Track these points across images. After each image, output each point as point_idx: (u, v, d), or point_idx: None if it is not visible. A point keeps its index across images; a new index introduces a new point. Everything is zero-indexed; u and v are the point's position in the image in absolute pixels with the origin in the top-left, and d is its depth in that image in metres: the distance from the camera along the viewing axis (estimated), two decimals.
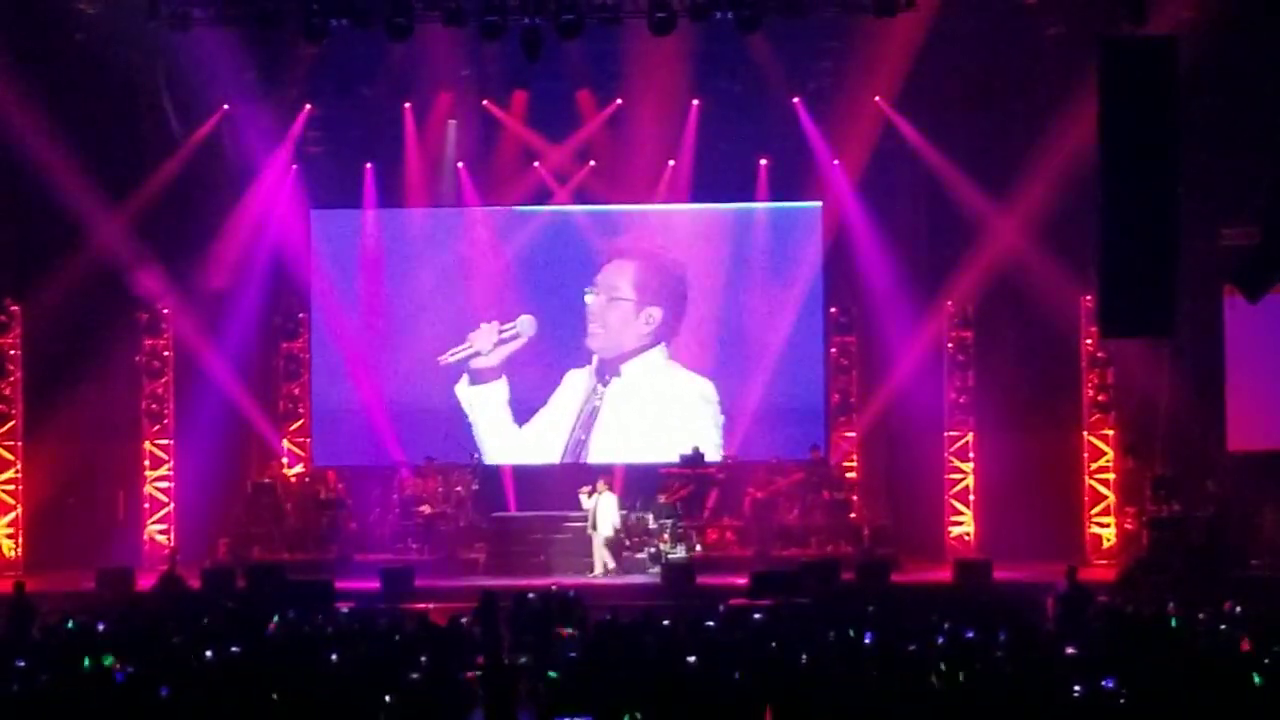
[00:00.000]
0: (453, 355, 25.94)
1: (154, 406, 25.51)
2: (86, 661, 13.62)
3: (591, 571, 23.44)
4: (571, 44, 22.45)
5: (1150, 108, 19.00)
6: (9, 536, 24.92)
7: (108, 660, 13.21)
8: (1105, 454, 25.29)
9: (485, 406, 25.97)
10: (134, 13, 21.96)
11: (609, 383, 26.05)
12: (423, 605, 20.05)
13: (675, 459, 25.10)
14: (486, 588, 19.18)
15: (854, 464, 26.24)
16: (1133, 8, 19.56)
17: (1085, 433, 25.35)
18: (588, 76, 25.34)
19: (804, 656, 13.75)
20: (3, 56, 23.32)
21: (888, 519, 25.39)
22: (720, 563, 23.64)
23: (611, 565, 23.46)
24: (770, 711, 11.55)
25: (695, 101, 25.49)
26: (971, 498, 25.52)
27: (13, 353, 25.21)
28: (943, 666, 12.93)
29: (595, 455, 25.92)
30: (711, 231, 26.51)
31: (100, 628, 16.59)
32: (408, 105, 25.74)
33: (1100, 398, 25.29)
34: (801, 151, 25.81)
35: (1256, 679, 12.34)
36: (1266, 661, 13.28)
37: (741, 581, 21.30)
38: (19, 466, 25.14)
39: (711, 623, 16.76)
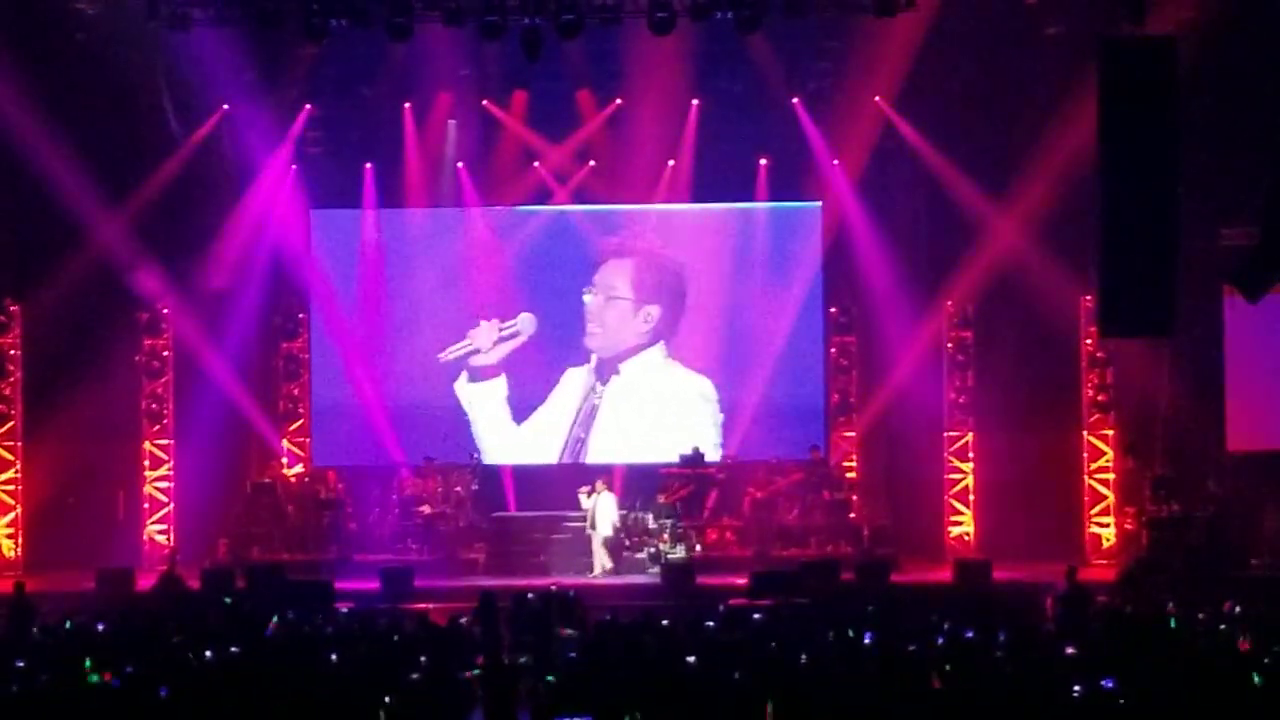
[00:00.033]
0: (452, 352, 25.94)
1: (154, 406, 25.51)
2: (89, 663, 13.62)
3: (591, 571, 23.44)
4: (571, 44, 22.47)
5: (1150, 108, 18.99)
6: (9, 536, 24.94)
7: (93, 679, 13.14)
8: (1105, 454, 25.29)
9: (484, 404, 25.97)
10: (134, 13, 21.97)
11: (608, 381, 26.07)
12: (422, 605, 20.05)
13: (675, 459, 25.10)
14: (486, 588, 19.18)
15: (854, 464, 26.25)
16: (1132, 8, 19.54)
17: (1085, 433, 25.35)
18: (588, 76, 25.33)
19: (804, 657, 13.75)
20: (3, 56, 23.30)
21: (887, 519, 25.38)
22: (720, 563, 23.64)
23: (609, 565, 23.46)
24: (770, 711, 11.55)
25: (695, 101, 25.49)
26: (971, 498, 25.52)
27: (13, 353, 25.23)
28: (947, 668, 12.91)
29: (595, 454, 25.92)
30: (711, 231, 26.50)
31: (100, 628, 16.60)
32: (408, 105, 25.74)
33: (1100, 398, 25.30)
34: (801, 151, 25.81)
35: (1256, 679, 12.33)
36: (1266, 661, 13.27)
37: (741, 581, 21.30)
38: (19, 466, 25.15)
39: (711, 623, 16.76)
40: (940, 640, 14.99)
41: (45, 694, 12.42)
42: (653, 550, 23.65)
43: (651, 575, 23.22)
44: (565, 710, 12.00)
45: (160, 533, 25.25)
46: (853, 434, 26.28)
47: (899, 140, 25.40)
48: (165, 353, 25.51)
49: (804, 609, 18.77)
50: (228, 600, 19.37)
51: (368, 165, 26.09)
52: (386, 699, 12.37)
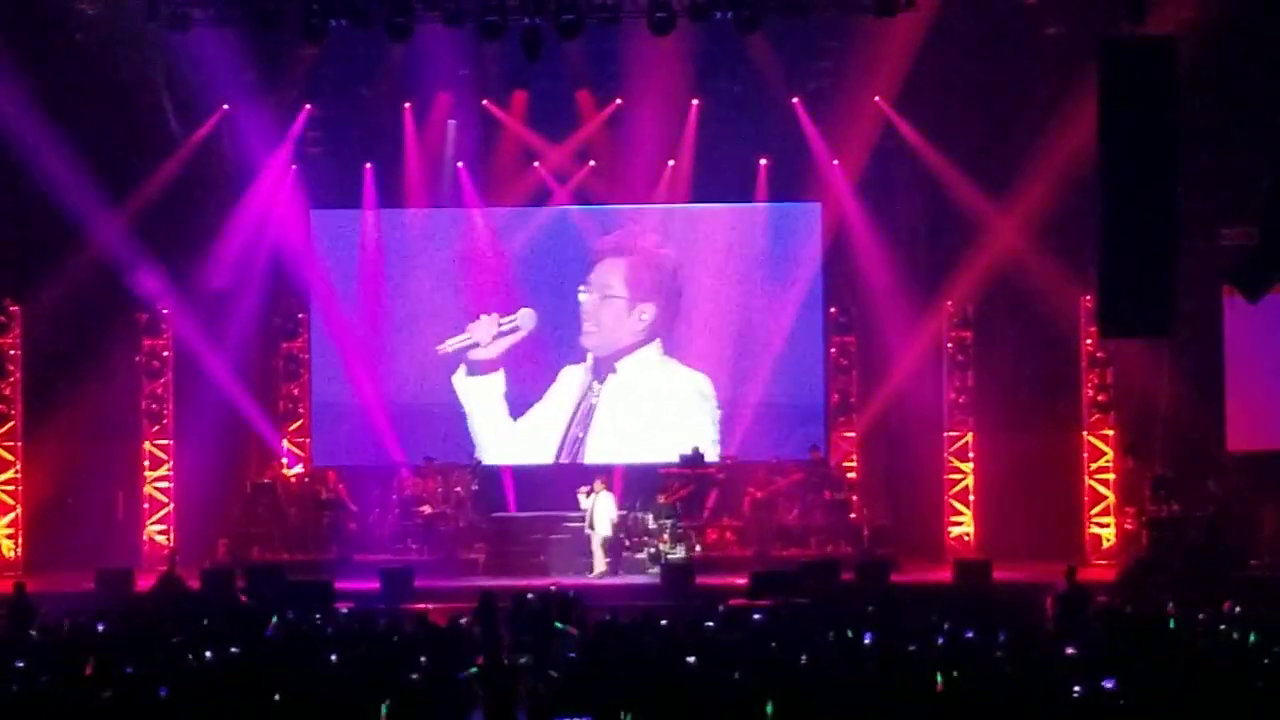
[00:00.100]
0: (451, 345, 25.94)
1: (153, 407, 25.51)
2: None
3: (591, 572, 23.43)
4: (571, 44, 22.49)
5: (1150, 108, 19.00)
6: (9, 537, 24.93)
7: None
8: (1105, 454, 25.29)
9: (481, 398, 25.97)
10: (134, 13, 21.99)
11: (605, 380, 26.06)
12: (422, 606, 20.04)
13: (674, 458, 25.11)
14: (486, 588, 19.18)
15: (854, 464, 26.24)
16: (1132, 8, 19.55)
17: (1085, 433, 25.35)
18: (587, 76, 25.34)
19: (803, 657, 13.75)
20: (3, 56, 23.30)
21: (887, 519, 25.38)
22: (720, 563, 23.64)
23: (604, 568, 23.43)
24: (770, 712, 11.54)
25: (695, 101, 25.49)
26: (971, 498, 25.52)
27: (12, 353, 25.22)
28: (950, 671, 12.90)
29: (593, 454, 25.92)
30: (711, 231, 26.50)
31: (100, 628, 16.59)
32: (407, 105, 25.73)
33: (1100, 398, 25.29)
34: (801, 151, 25.80)
35: (1256, 679, 12.33)
36: (1266, 661, 13.27)
37: (741, 582, 21.29)
38: (18, 467, 25.14)
39: (711, 623, 16.74)
40: (940, 640, 14.98)
41: (45, 694, 12.42)
42: (652, 550, 23.65)
43: (651, 575, 23.21)
44: (565, 710, 11.99)
45: (160, 533, 25.25)
46: (853, 434, 26.28)
47: (899, 140, 25.39)
48: (165, 353, 25.51)
49: (804, 609, 18.75)
50: (243, 598, 19.36)
51: (368, 165, 26.09)
52: (386, 699, 12.36)
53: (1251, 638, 14.77)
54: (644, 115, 25.24)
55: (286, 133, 25.60)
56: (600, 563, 23.48)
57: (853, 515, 25.02)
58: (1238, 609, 17.17)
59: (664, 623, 16.65)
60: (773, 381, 25.98)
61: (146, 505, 25.38)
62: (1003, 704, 11.72)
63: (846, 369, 26.41)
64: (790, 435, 25.76)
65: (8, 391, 25.20)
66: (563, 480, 25.06)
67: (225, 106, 25.18)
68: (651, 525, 23.92)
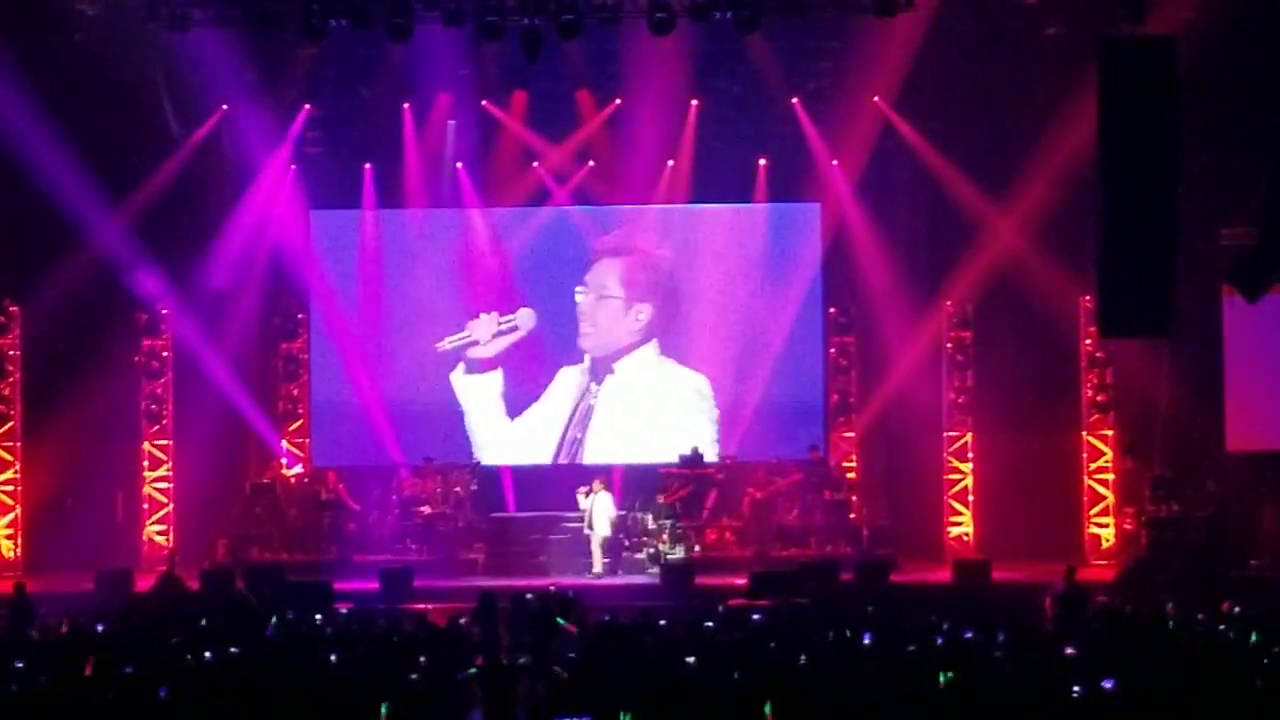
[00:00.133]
0: (450, 342, 25.94)
1: (153, 407, 25.52)
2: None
3: (590, 571, 23.42)
4: (571, 44, 22.50)
5: (1150, 108, 19.00)
6: (8, 537, 24.93)
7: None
8: (1104, 454, 25.29)
9: (479, 397, 25.97)
10: (133, 13, 21.97)
11: (603, 381, 26.06)
12: (421, 606, 20.04)
13: (673, 458, 25.10)
14: (485, 588, 19.17)
15: (853, 464, 26.23)
16: (1132, 8, 19.55)
17: (1084, 433, 25.35)
18: (587, 77, 25.33)
19: (803, 657, 13.74)
20: (3, 56, 23.30)
21: (887, 519, 25.37)
22: (719, 563, 23.64)
23: (600, 569, 23.41)
24: (769, 712, 11.53)
25: (694, 102, 25.49)
26: (970, 498, 25.52)
27: (12, 353, 25.22)
28: (949, 671, 12.89)
29: (592, 455, 25.92)
30: (710, 232, 26.50)
31: (99, 629, 16.59)
32: (407, 106, 25.73)
33: (1099, 398, 25.29)
34: (800, 151, 25.80)
35: (1256, 679, 12.33)
36: (1266, 661, 13.27)
37: (740, 582, 21.29)
38: (18, 467, 25.15)
39: (710, 623, 16.75)
40: (939, 641, 14.98)
41: (44, 694, 12.41)
42: (652, 551, 23.66)
43: (651, 576, 23.22)
44: (564, 710, 11.98)
45: (159, 533, 25.26)
46: (852, 434, 26.27)
47: (898, 140, 25.39)
48: (164, 353, 25.52)
49: (803, 609, 18.76)
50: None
51: (367, 165, 26.09)
52: (386, 699, 12.36)
53: (1253, 638, 14.76)
54: (643, 115, 25.22)
55: (286, 133, 25.60)
56: (598, 563, 23.46)
57: (852, 515, 25.02)
58: (1237, 609, 17.17)
59: (663, 623, 16.66)
60: (772, 382, 25.97)
61: (146, 505, 25.39)
62: (1002, 704, 11.71)
63: (846, 369, 26.40)
64: (790, 435, 25.75)
65: (7, 392, 25.20)
66: (562, 481, 25.06)
67: (225, 106, 25.19)
68: (651, 525, 23.93)
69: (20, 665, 13.71)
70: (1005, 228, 24.61)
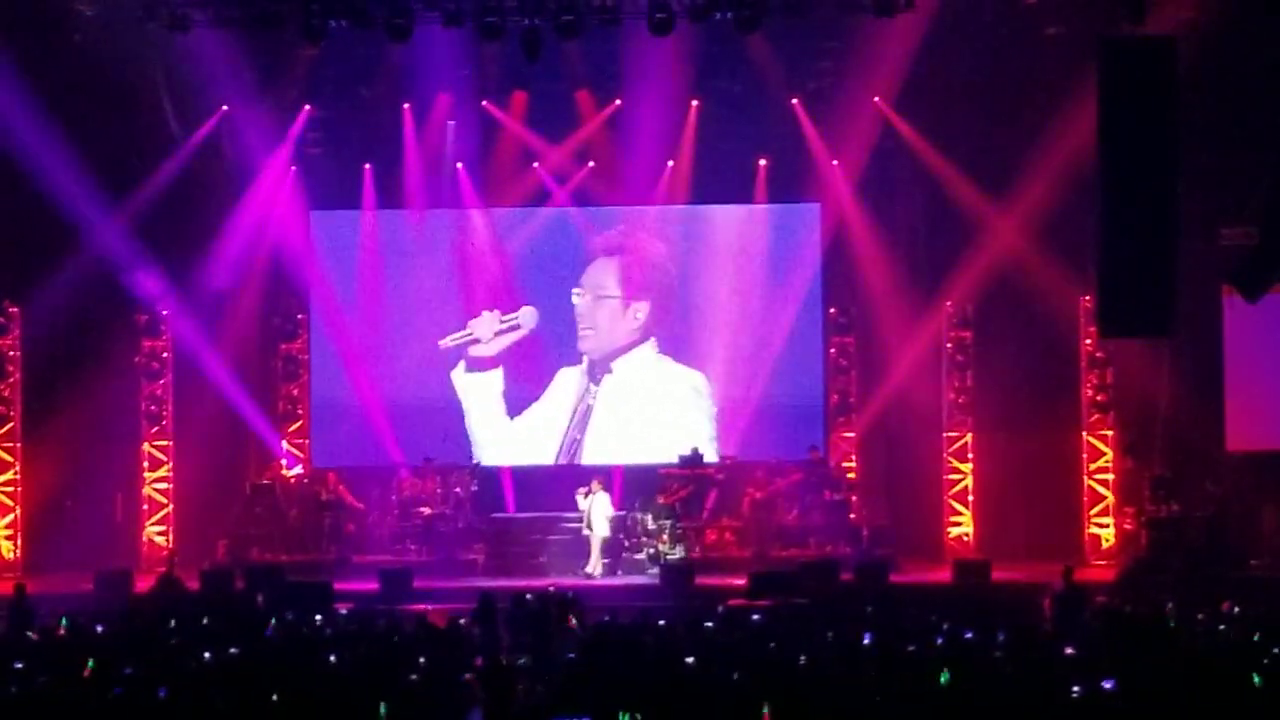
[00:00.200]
0: (452, 340, 25.94)
1: (153, 408, 25.52)
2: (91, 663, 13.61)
3: (583, 570, 23.38)
4: (571, 44, 22.50)
5: (1149, 108, 19.01)
6: (8, 538, 24.93)
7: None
8: (1104, 454, 25.29)
9: (479, 395, 25.97)
10: (133, 13, 21.96)
11: (601, 380, 26.06)
12: (421, 606, 20.01)
13: (672, 458, 25.10)
14: (485, 589, 19.17)
15: (853, 464, 26.21)
16: (1132, 8, 19.54)
17: (1084, 433, 25.35)
18: (587, 77, 25.32)
19: (802, 657, 13.74)
20: (3, 56, 23.29)
21: (886, 519, 25.36)
22: (719, 563, 23.64)
23: (599, 570, 23.38)
24: (768, 712, 11.53)
25: (694, 102, 25.48)
26: (970, 498, 25.52)
27: (12, 354, 25.23)
28: (946, 671, 12.89)
29: (592, 455, 25.91)
30: (710, 232, 26.49)
31: (99, 629, 16.58)
32: (407, 106, 25.72)
33: (1099, 398, 25.29)
34: (800, 152, 25.79)
35: (1256, 679, 12.32)
36: (1266, 661, 13.26)
37: (740, 582, 21.29)
38: (18, 468, 25.15)
39: (710, 623, 16.74)
40: (939, 641, 14.97)
41: (44, 695, 12.41)
42: (651, 551, 23.64)
43: (650, 576, 23.21)
44: (563, 711, 11.97)
45: (159, 534, 25.27)
46: (852, 434, 26.26)
47: (898, 140, 25.38)
48: (164, 354, 25.52)
49: (803, 609, 18.76)
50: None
51: (367, 166, 26.09)
52: (385, 700, 12.35)
53: (1255, 638, 14.76)
54: (643, 116, 25.21)
55: (286, 133, 25.60)
56: (597, 564, 23.42)
57: (852, 515, 25.00)
58: (1237, 609, 17.17)
59: (663, 623, 16.66)
60: (772, 382, 25.97)
61: (146, 506, 25.39)
62: (1002, 704, 11.70)
63: (846, 369, 26.40)
64: (789, 435, 25.75)
65: (7, 393, 25.21)
66: (561, 481, 25.06)
67: (225, 107, 25.18)
68: (651, 526, 23.91)
69: (20, 666, 13.70)
70: (1005, 227, 24.60)
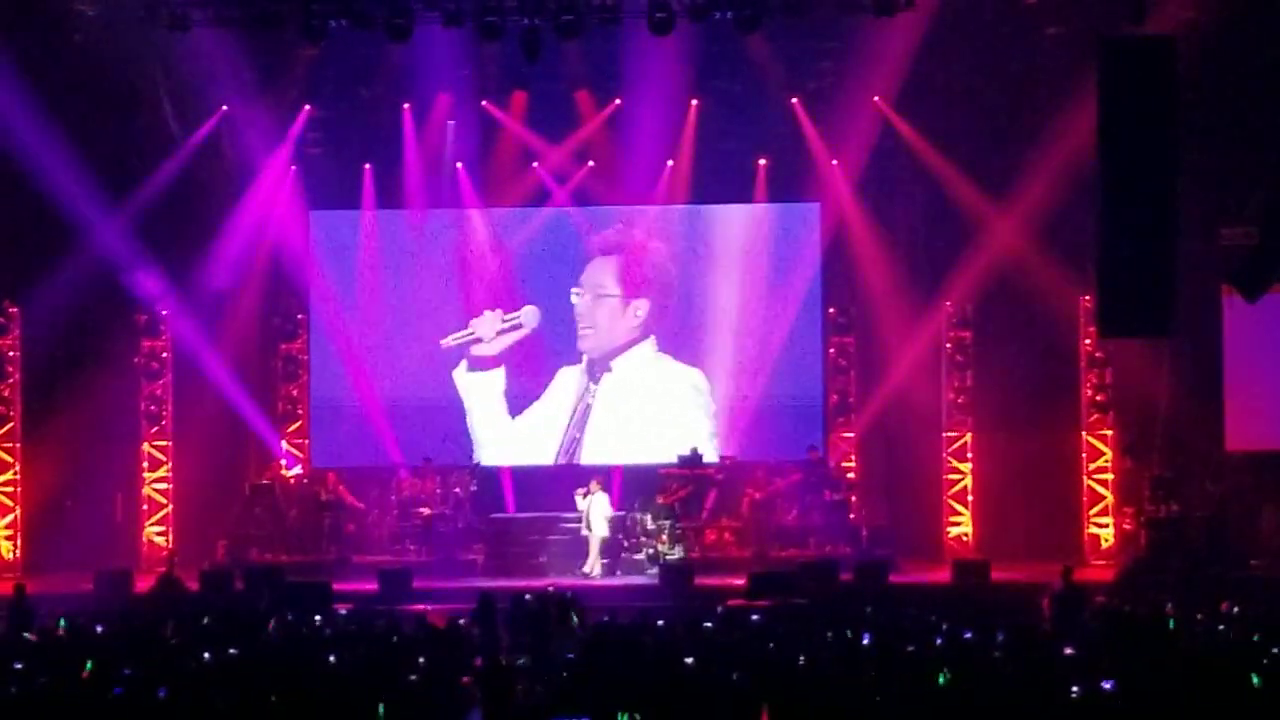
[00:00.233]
0: (454, 339, 25.95)
1: (152, 408, 25.52)
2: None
3: (580, 570, 23.37)
4: (570, 44, 22.49)
5: (1149, 108, 19.00)
6: (8, 538, 24.93)
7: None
8: (1104, 454, 25.29)
9: (481, 395, 25.97)
10: (133, 13, 21.97)
11: (600, 379, 26.06)
12: (421, 607, 20.01)
13: (672, 457, 25.08)
14: (484, 589, 19.16)
15: (852, 464, 26.22)
16: (1132, 8, 19.54)
17: (1084, 433, 25.35)
18: (587, 77, 25.32)
19: (802, 657, 13.74)
20: (3, 56, 23.29)
21: (886, 519, 25.37)
22: (718, 563, 23.63)
23: (598, 571, 23.37)
24: (768, 712, 11.53)
25: (694, 102, 25.48)
26: (970, 498, 25.51)
27: (11, 354, 25.24)
28: (948, 672, 12.90)
29: (591, 454, 25.91)
30: (710, 232, 26.49)
31: (98, 630, 16.58)
32: (407, 106, 25.72)
33: (1099, 398, 25.29)
34: (800, 151, 25.80)
35: (1255, 679, 12.32)
36: (1265, 662, 13.26)
37: (740, 582, 21.29)
38: (17, 468, 25.15)
39: (709, 624, 16.74)
40: (939, 641, 14.97)
41: (43, 696, 12.41)
42: (651, 551, 23.64)
43: (650, 576, 23.20)
44: (563, 711, 11.97)
45: (159, 534, 25.27)
46: (851, 434, 26.26)
47: (898, 140, 25.38)
48: (164, 354, 25.53)
49: (802, 610, 18.76)
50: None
51: (367, 166, 26.10)
52: (384, 700, 12.35)
53: (1254, 638, 14.76)
54: (643, 115, 25.21)
55: (286, 133, 25.61)
56: (595, 564, 23.40)
57: (851, 516, 25.00)
58: (1236, 609, 17.16)
59: (662, 623, 16.65)
60: (772, 382, 25.98)
61: (145, 506, 25.39)
62: (1001, 705, 11.70)
63: (845, 369, 26.39)
64: (789, 436, 25.75)
65: (7, 393, 25.21)
66: (560, 481, 25.07)
67: (225, 107, 25.19)
68: (650, 526, 23.90)
69: (19, 667, 13.70)
70: (1005, 228, 24.60)
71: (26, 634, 16.88)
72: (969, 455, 25.56)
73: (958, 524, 25.45)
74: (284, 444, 26.14)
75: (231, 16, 21.75)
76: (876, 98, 25.09)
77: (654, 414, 26.00)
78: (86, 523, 24.75)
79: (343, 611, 19.01)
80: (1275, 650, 13.80)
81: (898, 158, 25.65)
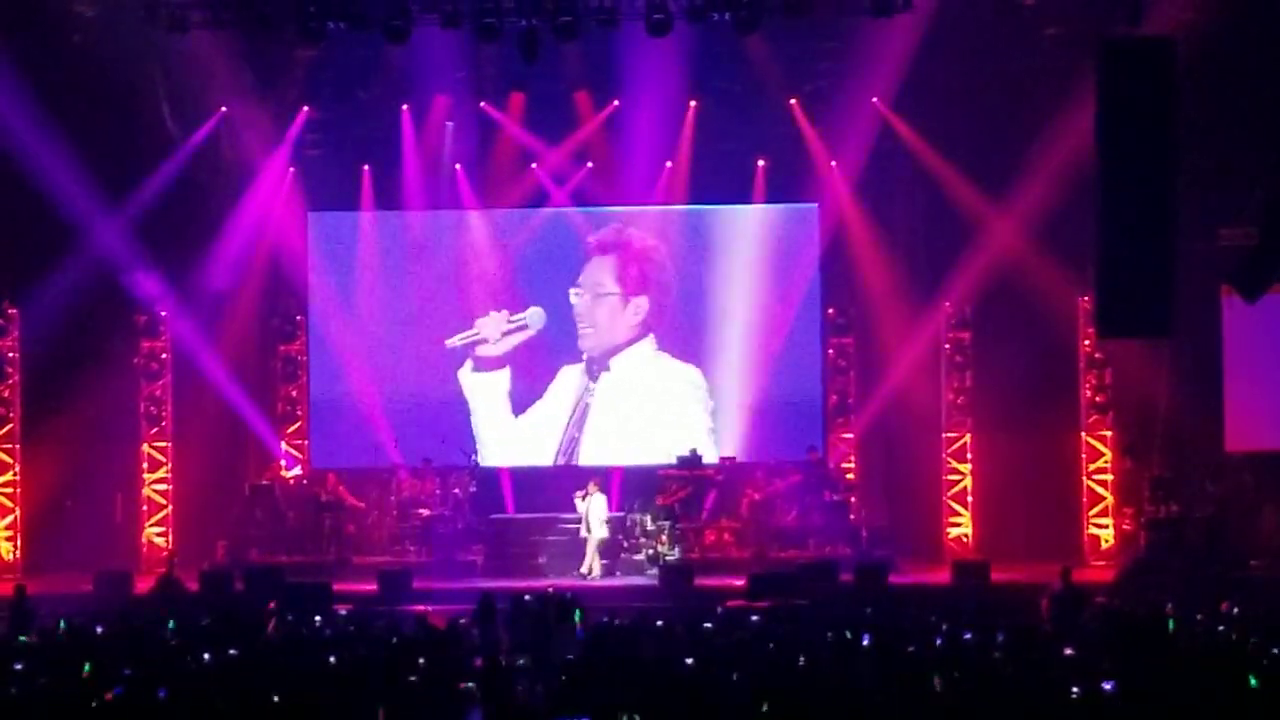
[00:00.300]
0: (459, 339, 25.96)
1: (152, 409, 25.51)
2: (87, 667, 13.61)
3: (586, 572, 23.37)
4: (569, 46, 22.48)
5: (1148, 108, 18.98)
6: (8, 539, 24.93)
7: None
8: (1103, 455, 25.29)
9: (486, 395, 25.98)
10: (132, 14, 21.98)
11: (598, 378, 26.06)
12: (420, 607, 20.01)
13: (671, 457, 25.07)
14: (484, 590, 19.16)
15: (852, 465, 26.22)
16: (1131, 8, 19.53)
17: (1083, 433, 25.35)
18: (585, 78, 25.33)
19: (801, 658, 13.74)
20: (2, 57, 23.29)
21: (885, 520, 25.37)
22: (718, 564, 23.62)
23: (597, 571, 23.37)
24: (767, 713, 11.53)
25: (693, 102, 25.50)
26: (969, 499, 25.52)
27: (11, 355, 25.24)
28: (948, 672, 12.90)
29: (590, 454, 25.91)
30: (709, 233, 26.49)
31: (98, 630, 16.58)
32: (405, 107, 25.74)
33: (1098, 398, 25.30)
34: (799, 152, 25.82)
35: (1253, 680, 12.33)
36: (1265, 662, 13.27)
37: (739, 583, 21.30)
38: (17, 469, 25.15)
39: (709, 624, 16.74)
40: (938, 641, 14.97)
41: (44, 696, 12.40)
42: (650, 552, 23.64)
43: (649, 577, 23.20)
44: (563, 711, 11.97)
45: (159, 535, 25.26)
46: (851, 435, 26.26)
47: (897, 141, 25.40)
48: (163, 355, 25.52)
49: (802, 610, 18.75)
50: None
51: (365, 167, 26.11)
52: (384, 701, 12.35)
53: (1252, 639, 14.76)
54: (642, 116, 25.23)
55: (284, 135, 25.63)
56: (595, 565, 23.39)
57: (851, 516, 24.99)
58: (1236, 609, 17.16)
59: (662, 624, 16.64)
60: (771, 382, 25.99)
61: (145, 507, 25.39)
62: (1001, 705, 11.70)
63: (844, 370, 26.40)
64: (788, 436, 25.75)
65: (6, 394, 25.21)
66: (560, 482, 25.07)
67: (223, 108, 25.23)
68: (650, 526, 23.91)
69: (19, 668, 13.69)
70: (1004, 228, 24.61)
71: (23, 637, 16.87)
72: (968, 456, 25.56)
73: (957, 525, 25.45)
74: (283, 445, 26.15)
75: (230, 18, 21.77)
76: (875, 98, 25.11)
77: (653, 412, 26.01)
78: (86, 523, 24.75)
79: (342, 612, 19.01)
80: (1275, 650, 13.80)
81: (896, 158, 25.66)
